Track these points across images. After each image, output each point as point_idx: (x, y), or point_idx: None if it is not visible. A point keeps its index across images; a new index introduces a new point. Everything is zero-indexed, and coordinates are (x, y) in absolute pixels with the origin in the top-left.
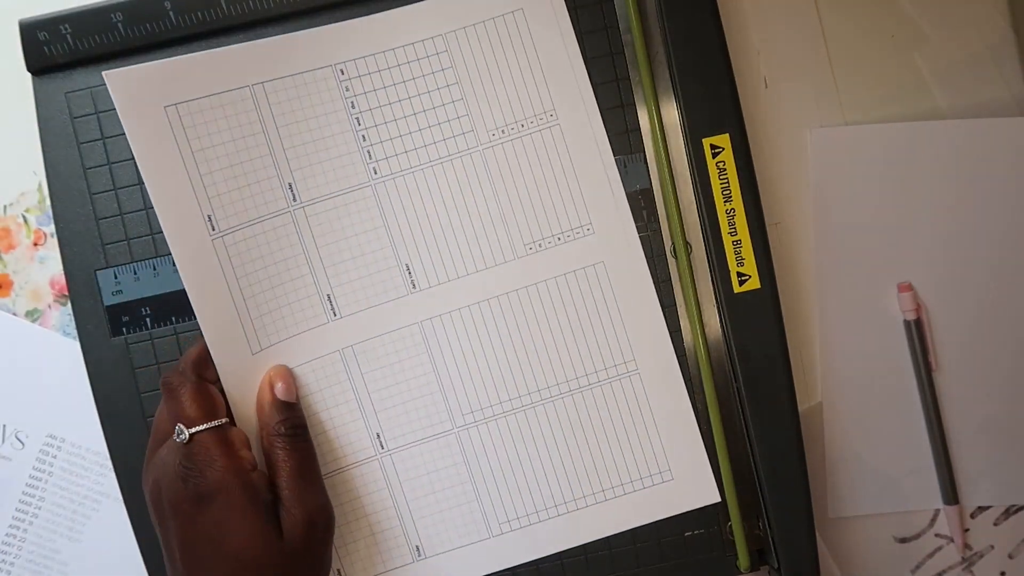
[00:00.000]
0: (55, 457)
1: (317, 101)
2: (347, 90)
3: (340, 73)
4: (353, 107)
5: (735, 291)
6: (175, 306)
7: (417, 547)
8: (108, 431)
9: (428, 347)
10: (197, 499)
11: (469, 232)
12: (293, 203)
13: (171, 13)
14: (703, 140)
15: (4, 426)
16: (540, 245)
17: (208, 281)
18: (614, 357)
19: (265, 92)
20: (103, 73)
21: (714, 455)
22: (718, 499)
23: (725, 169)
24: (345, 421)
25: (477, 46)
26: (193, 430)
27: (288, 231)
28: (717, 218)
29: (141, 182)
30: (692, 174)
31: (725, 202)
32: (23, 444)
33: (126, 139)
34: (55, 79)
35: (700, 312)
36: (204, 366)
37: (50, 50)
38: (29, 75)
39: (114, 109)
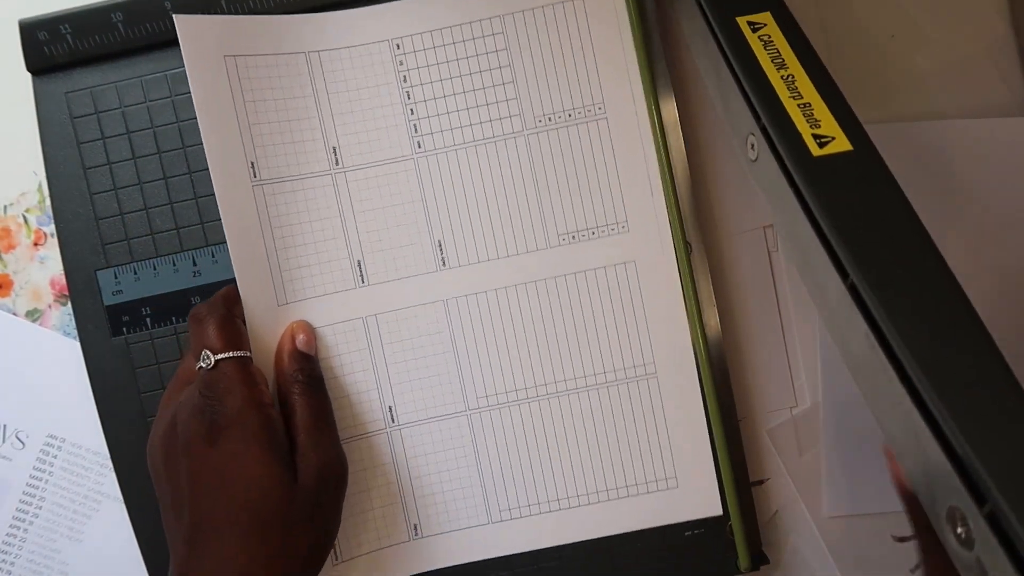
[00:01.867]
0: (55, 457)
1: (370, 73)
2: (400, 64)
3: (396, 48)
4: (404, 81)
5: (813, 154)
6: (175, 306)
7: (415, 526)
8: (108, 431)
9: (450, 326)
10: (213, 429)
11: (504, 216)
12: (335, 167)
13: (171, 13)
14: (737, 19)
15: (4, 426)
16: (574, 237)
17: (245, 224)
18: (634, 358)
19: (320, 60)
20: (174, 16)
21: (715, 455)
22: (720, 512)
23: (772, 40)
24: (359, 390)
25: (533, 31)
26: (218, 356)
27: (327, 193)
28: (771, 87)
29: (141, 182)
30: (726, 57)
31: (779, 69)
32: (23, 444)
33: (126, 139)
34: (55, 79)
35: (700, 312)
36: (234, 303)
37: (50, 50)
38: (29, 75)
39: (113, 109)
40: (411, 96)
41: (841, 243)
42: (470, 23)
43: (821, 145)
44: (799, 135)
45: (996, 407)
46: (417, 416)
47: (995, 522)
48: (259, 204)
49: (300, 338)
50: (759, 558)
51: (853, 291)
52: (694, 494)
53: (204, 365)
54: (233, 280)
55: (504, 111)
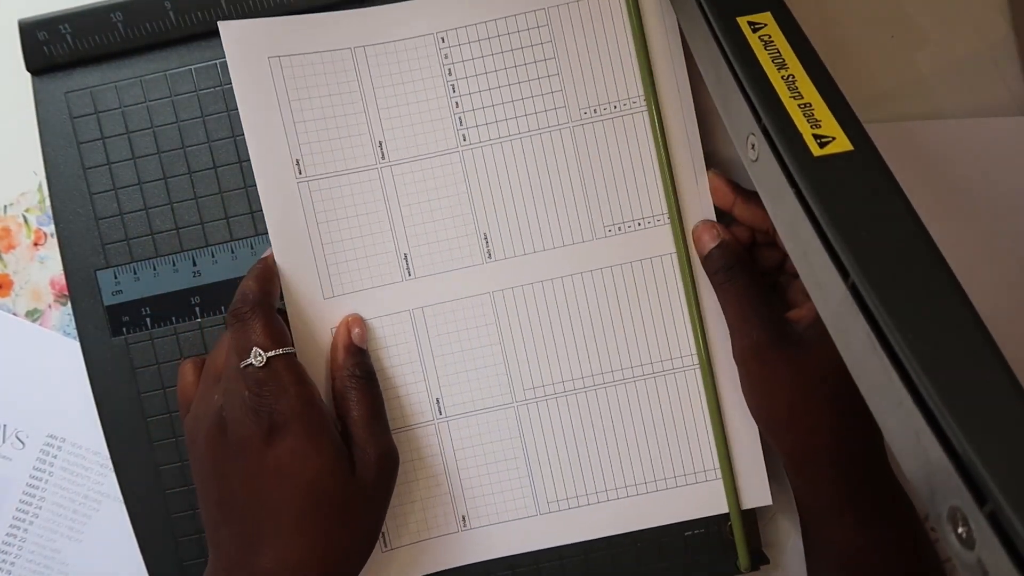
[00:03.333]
0: (55, 457)
1: (416, 66)
2: (446, 57)
3: (441, 41)
4: (450, 74)
5: (814, 154)
6: (175, 306)
7: (463, 517)
8: (108, 431)
9: (497, 318)
10: (271, 430)
11: (550, 208)
12: (381, 161)
13: (171, 13)
14: (737, 19)
15: (4, 426)
16: (619, 229)
17: (289, 220)
18: (680, 349)
19: (365, 55)
20: (219, 24)
21: (718, 454)
22: (769, 502)
23: (772, 40)
24: (407, 382)
25: (579, 23)
26: (270, 354)
27: (373, 187)
28: (772, 88)
29: (141, 182)
30: (726, 57)
31: (779, 70)
32: (23, 444)
33: (126, 139)
34: (55, 79)
35: (700, 310)
36: (269, 296)
37: (50, 50)
38: (29, 75)
39: (113, 109)
40: (456, 89)
41: (841, 243)
42: (515, 16)
43: (821, 145)
44: (799, 135)
45: (997, 407)
46: (465, 408)
47: (996, 522)
48: (304, 200)
49: (355, 332)
50: (759, 558)
51: (854, 291)
52: (743, 485)
53: (256, 363)
54: (235, 279)
55: (549, 103)
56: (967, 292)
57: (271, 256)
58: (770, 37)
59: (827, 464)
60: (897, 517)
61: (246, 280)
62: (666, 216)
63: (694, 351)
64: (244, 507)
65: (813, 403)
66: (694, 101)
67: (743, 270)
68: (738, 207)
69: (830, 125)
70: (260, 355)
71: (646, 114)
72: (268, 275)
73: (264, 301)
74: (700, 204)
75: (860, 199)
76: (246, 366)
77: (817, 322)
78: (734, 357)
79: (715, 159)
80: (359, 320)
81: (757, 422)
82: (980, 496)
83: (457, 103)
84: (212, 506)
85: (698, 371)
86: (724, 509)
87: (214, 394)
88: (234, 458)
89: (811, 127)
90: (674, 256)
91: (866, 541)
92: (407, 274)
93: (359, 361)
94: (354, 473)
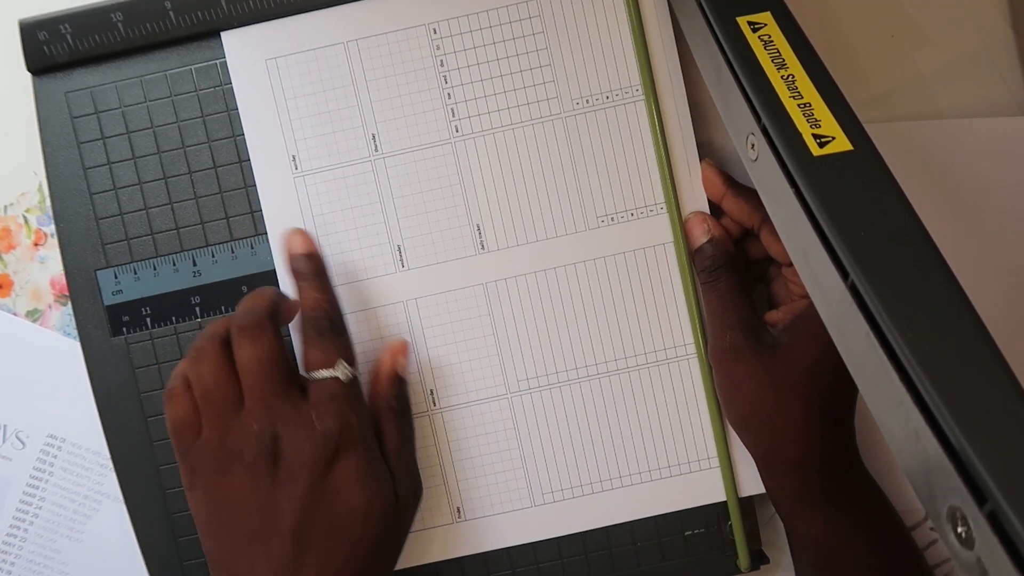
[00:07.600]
0: (55, 457)
1: (408, 58)
2: (438, 48)
3: (433, 32)
4: (442, 65)
5: (814, 154)
6: (175, 306)
7: (458, 508)
8: (108, 431)
9: (490, 309)
10: (336, 451)
11: (543, 199)
12: (375, 153)
13: (171, 13)
14: (737, 19)
15: (4, 426)
16: (612, 219)
17: (285, 215)
18: (674, 339)
19: (358, 48)
20: (222, 35)
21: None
22: (762, 490)
23: (772, 40)
24: None
25: (570, 14)
26: (354, 371)
27: (367, 179)
28: (771, 87)
29: (141, 182)
30: (726, 57)
31: (779, 69)
32: (23, 444)
33: (126, 139)
34: (55, 79)
35: (700, 309)
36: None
37: (50, 50)
38: (29, 75)
39: (113, 109)
40: (448, 80)
41: (841, 243)
42: (507, 7)
43: (821, 145)
44: (799, 135)
45: (996, 406)
46: (458, 400)
47: (996, 521)
48: (300, 194)
49: (400, 362)
50: (759, 558)
51: (853, 291)
52: (740, 473)
53: (343, 376)
54: (235, 279)
55: (541, 94)
56: (966, 292)
57: (319, 255)
58: (770, 37)
59: (797, 463)
60: (870, 511)
61: (309, 290)
62: (659, 206)
63: (689, 340)
64: (289, 535)
65: (783, 404)
66: (686, 90)
67: (727, 272)
68: (727, 200)
69: (830, 125)
70: (347, 370)
71: (639, 104)
72: (329, 283)
73: (340, 314)
74: (694, 194)
75: (859, 199)
76: (323, 379)
77: (792, 325)
78: (709, 356)
79: (709, 149)
80: (405, 349)
81: (729, 420)
82: (979, 495)
83: (449, 94)
84: (241, 542)
85: (694, 360)
86: (721, 497)
87: (251, 423)
88: (286, 484)
89: (811, 127)
90: (668, 246)
91: (839, 535)
92: (400, 265)
93: (399, 392)
94: (398, 501)
